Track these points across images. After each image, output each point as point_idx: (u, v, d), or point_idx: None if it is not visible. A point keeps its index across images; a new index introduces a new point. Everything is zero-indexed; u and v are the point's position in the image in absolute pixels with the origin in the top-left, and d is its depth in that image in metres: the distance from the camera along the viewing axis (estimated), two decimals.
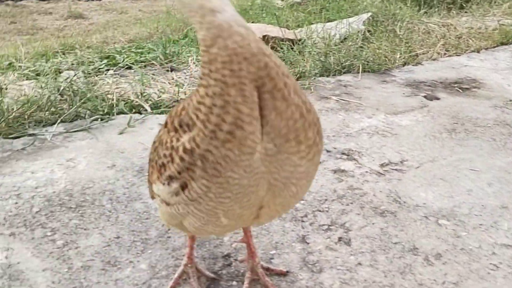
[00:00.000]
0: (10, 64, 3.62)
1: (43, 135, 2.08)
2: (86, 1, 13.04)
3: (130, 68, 3.64)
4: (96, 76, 3.25)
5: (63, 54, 4.52)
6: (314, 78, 2.88)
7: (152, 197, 1.12)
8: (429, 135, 2.19)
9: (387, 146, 2.08)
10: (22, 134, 2.07)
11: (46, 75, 2.94)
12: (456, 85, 2.87)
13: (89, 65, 3.53)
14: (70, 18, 9.64)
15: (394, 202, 1.68)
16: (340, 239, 1.47)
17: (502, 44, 3.85)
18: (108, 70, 3.54)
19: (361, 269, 1.36)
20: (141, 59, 3.82)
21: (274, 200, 0.92)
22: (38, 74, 3.13)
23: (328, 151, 2.00)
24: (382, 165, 1.92)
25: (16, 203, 1.60)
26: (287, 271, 1.32)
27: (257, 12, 6.60)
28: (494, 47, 3.78)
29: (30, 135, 2.07)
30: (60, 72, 3.15)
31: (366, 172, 1.86)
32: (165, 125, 0.96)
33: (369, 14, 4.31)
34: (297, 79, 2.93)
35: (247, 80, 0.76)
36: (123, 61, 3.70)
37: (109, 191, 1.69)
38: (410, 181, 1.81)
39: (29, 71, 3.22)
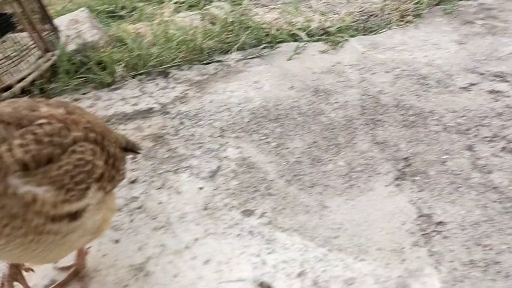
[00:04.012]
0: None
1: (227, 61, 2.51)
2: None
3: None
4: (239, 6, 3.59)
5: None
6: (456, 2, 2.96)
7: None
8: None
9: None
10: (211, 61, 2.52)
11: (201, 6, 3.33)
12: None
13: None
14: None
15: None
16: (503, 148, 1.74)
17: None
18: None
19: None
20: None
21: None
22: (191, 6, 3.55)
23: (481, 74, 2.19)
24: None
25: (230, 114, 2.06)
26: None
27: None
28: None
29: (217, 61, 2.52)
30: (211, 1, 3.51)
31: None
32: None
33: None
34: (438, 4, 3.03)
35: None
36: None
37: (296, 107, 2.08)
38: None
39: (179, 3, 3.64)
